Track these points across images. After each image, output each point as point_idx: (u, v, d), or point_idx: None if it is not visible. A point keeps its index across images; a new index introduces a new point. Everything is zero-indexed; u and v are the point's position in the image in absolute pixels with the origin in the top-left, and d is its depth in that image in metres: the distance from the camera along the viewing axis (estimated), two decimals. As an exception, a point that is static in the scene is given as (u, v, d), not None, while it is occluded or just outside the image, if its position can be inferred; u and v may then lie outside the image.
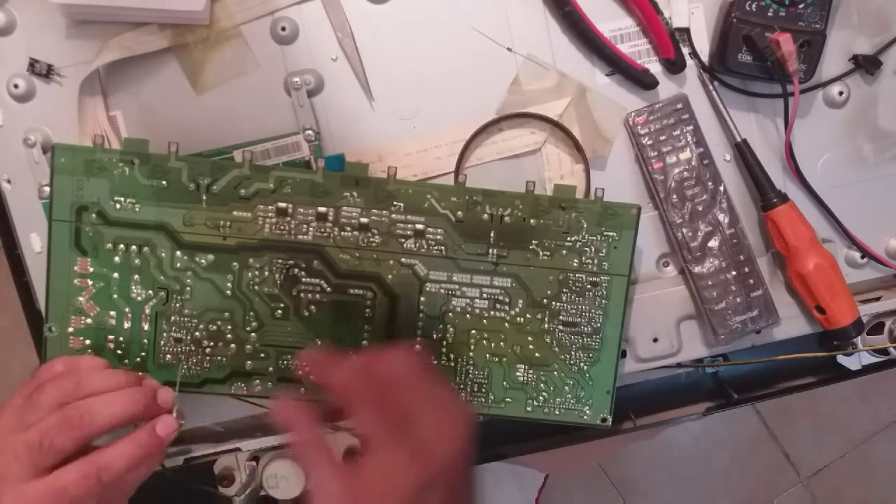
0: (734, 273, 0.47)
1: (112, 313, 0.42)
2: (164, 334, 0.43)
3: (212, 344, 0.43)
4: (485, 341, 0.44)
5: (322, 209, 0.42)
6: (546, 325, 0.44)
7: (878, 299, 0.50)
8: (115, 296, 0.42)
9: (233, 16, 0.45)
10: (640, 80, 0.46)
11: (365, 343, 0.43)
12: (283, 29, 0.45)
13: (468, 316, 0.44)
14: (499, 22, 0.46)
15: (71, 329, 0.42)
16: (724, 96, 0.47)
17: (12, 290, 0.47)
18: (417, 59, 0.46)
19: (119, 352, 0.43)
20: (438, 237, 0.43)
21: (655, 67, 0.47)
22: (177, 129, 0.46)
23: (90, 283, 0.42)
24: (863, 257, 0.49)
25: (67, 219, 0.41)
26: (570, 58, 0.47)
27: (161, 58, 0.45)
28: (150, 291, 0.42)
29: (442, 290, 0.43)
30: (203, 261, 0.42)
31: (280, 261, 0.42)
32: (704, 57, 0.47)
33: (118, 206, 0.41)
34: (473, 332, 0.44)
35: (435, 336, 0.44)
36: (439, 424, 0.35)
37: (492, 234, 0.43)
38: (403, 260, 0.43)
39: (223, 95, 0.46)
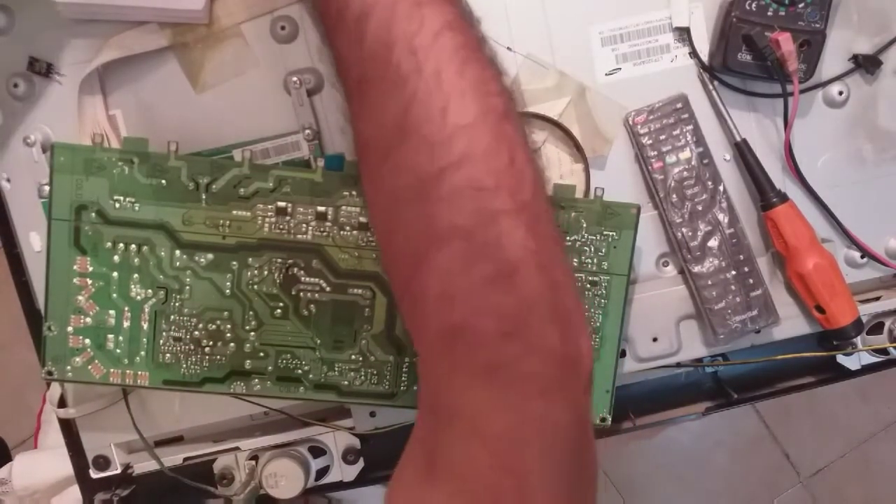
0: (734, 273, 0.47)
1: (111, 312, 0.42)
2: (164, 333, 0.43)
3: (211, 343, 0.43)
4: (484, 341, 0.44)
5: (321, 208, 0.42)
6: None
7: (877, 299, 0.50)
8: (115, 295, 0.42)
9: (232, 15, 0.45)
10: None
11: (364, 343, 0.43)
12: (283, 28, 0.45)
13: (467, 315, 0.44)
14: (499, 21, 0.46)
15: (70, 328, 0.42)
16: (723, 96, 0.47)
17: (12, 289, 0.47)
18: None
19: (118, 351, 0.43)
20: (438, 237, 0.43)
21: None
22: (176, 128, 0.46)
23: (89, 282, 0.42)
24: (862, 257, 0.49)
25: (67, 218, 0.41)
26: (570, 57, 0.46)
27: (161, 57, 0.45)
28: (150, 291, 0.42)
29: (441, 290, 0.43)
30: (202, 260, 0.42)
31: (279, 260, 0.42)
32: (704, 57, 0.47)
33: (117, 205, 0.41)
34: (473, 331, 0.44)
35: (434, 335, 0.44)
36: None
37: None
38: (403, 259, 0.43)
39: (223, 94, 0.46)
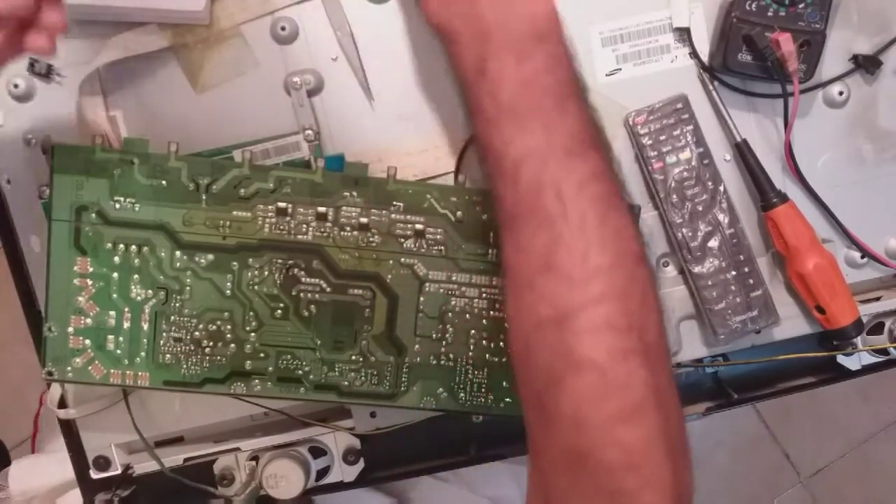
0: (734, 273, 0.47)
1: (112, 313, 0.42)
2: (164, 334, 0.43)
3: (211, 344, 0.43)
4: (485, 341, 0.44)
5: (322, 209, 0.42)
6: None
7: (878, 299, 0.50)
8: (115, 296, 0.42)
9: (232, 16, 0.45)
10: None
11: (364, 343, 0.43)
12: (283, 29, 0.45)
13: (468, 316, 0.44)
14: (499, 22, 0.46)
15: (70, 329, 0.42)
16: (724, 96, 0.47)
17: (12, 290, 0.47)
18: (417, 59, 0.46)
19: (118, 352, 0.43)
20: (438, 237, 0.43)
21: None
22: (176, 128, 0.46)
23: (90, 282, 0.42)
24: (863, 257, 0.49)
25: (67, 219, 0.41)
26: (569, 58, 0.46)
27: (161, 58, 0.45)
28: (150, 291, 0.42)
29: (441, 290, 0.43)
30: (203, 261, 0.42)
31: (280, 261, 0.42)
32: (704, 57, 0.47)
33: (118, 205, 0.41)
34: (473, 332, 0.44)
35: (434, 336, 0.44)
36: None
37: (492, 234, 0.43)
38: (403, 260, 0.43)
39: (223, 95, 0.46)
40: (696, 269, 0.47)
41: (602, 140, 0.37)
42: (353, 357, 0.44)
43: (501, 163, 0.35)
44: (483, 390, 0.44)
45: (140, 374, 0.43)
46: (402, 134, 0.46)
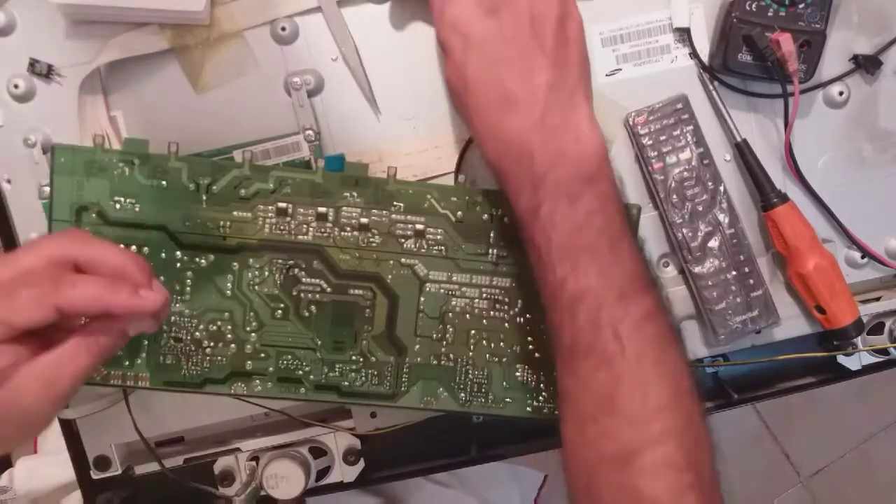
0: (734, 273, 0.47)
1: (112, 313, 0.42)
2: (164, 335, 0.43)
3: (212, 344, 0.43)
4: (485, 341, 0.44)
5: (322, 209, 0.42)
6: (546, 326, 0.44)
7: (878, 299, 0.50)
8: (115, 296, 0.42)
9: (233, 19, 0.45)
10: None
11: (364, 343, 0.43)
12: (283, 29, 0.45)
13: (468, 316, 0.44)
14: (499, 22, 0.46)
15: (71, 329, 0.42)
16: (724, 96, 0.47)
17: (12, 290, 0.47)
18: (418, 59, 0.46)
19: (119, 352, 0.43)
20: (438, 237, 0.43)
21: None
22: (177, 129, 0.46)
23: (90, 283, 0.42)
24: (863, 257, 0.49)
25: (67, 219, 0.41)
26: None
27: (161, 58, 0.45)
28: (150, 291, 0.42)
29: (442, 290, 0.43)
30: (203, 261, 0.42)
31: (280, 261, 0.42)
32: (704, 57, 0.47)
33: (118, 206, 0.41)
34: (473, 332, 0.44)
35: (435, 336, 0.44)
36: None
37: (492, 234, 0.43)
38: (403, 260, 0.43)
39: (223, 95, 0.46)
40: (697, 270, 0.47)
41: (652, 277, 0.39)
42: (354, 357, 0.44)
43: (557, 297, 0.37)
44: (483, 390, 0.44)
45: (141, 374, 0.43)
46: (402, 134, 0.46)
